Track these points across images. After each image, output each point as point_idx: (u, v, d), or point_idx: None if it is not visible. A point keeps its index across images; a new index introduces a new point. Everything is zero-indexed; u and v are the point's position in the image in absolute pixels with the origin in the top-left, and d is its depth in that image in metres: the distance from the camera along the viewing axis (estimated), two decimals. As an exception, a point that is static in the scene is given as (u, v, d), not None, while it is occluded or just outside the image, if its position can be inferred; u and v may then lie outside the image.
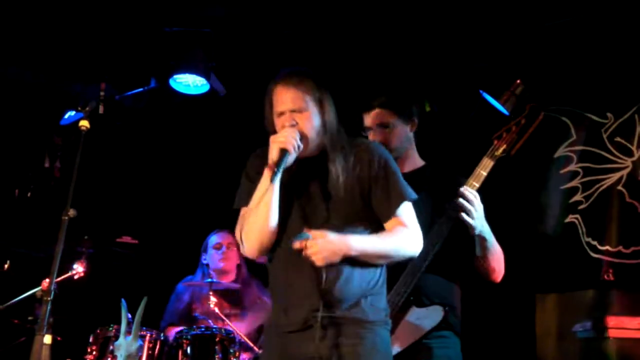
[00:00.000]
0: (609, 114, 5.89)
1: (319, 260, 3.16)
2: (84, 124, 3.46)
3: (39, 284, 5.07)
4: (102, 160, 6.60)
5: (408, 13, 5.75)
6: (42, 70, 6.38)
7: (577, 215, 5.84)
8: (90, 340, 5.22)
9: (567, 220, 5.88)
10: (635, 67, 5.70)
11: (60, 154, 6.39)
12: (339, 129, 3.50)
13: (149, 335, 5.18)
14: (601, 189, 5.80)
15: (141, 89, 6.19)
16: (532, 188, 6.09)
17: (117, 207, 6.97)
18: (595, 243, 5.69)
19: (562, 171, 5.99)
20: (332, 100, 3.52)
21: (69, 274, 5.49)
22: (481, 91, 5.90)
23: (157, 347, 5.20)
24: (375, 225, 3.42)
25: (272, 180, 3.26)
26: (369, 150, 3.49)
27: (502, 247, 3.92)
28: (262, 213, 3.29)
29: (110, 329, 5.17)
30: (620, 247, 5.61)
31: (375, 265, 3.40)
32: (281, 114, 3.43)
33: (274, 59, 6.13)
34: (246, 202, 3.42)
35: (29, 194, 6.49)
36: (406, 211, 3.44)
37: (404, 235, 3.41)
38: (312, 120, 3.42)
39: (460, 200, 3.64)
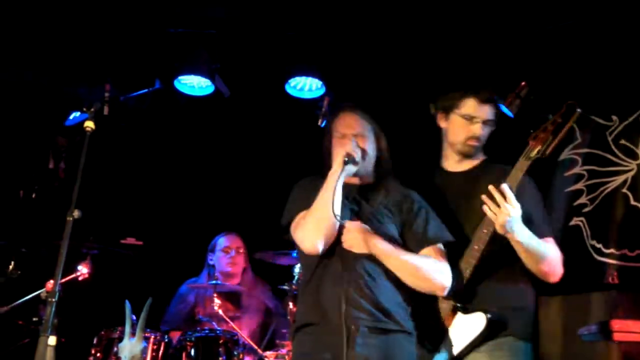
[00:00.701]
0: (614, 117, 5.88)
1: (354, 245, 3.47)
2: (89, 124, 3.47)
3: (43, 285, 5.07)
4: (107, 162, 6.60)
5: (413, 15, 5.75)
6: (46, 72, 6.38)
7: (582, 218, 5.82)
8: (95, 341, 5.21)
9: (572, 223, 5.86)
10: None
11: (64, 155, 6.39)
12: (389, 167, 3.84)
13: (153, 336, 5.17)
14: (606, 191, 5.79)
15: (146, 90, 6.19)
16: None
17: (122, 208, 6.97)
18: (599, 246, 5.68)
19: (566, 174, 5.98)
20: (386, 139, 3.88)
21: (74, 275, 5.50)
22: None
23: (162, 348, 5.19)
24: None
25: (337, 178, 3.53)
26: (409, 192, 3.82)
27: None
28: (325, 204, 3.50)
29: (115, 330, 5.16)
30: (625, 250, 5.60)
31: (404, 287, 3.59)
32: (343, 136, 3.70)
33: (278, 60, 6.14)
34: (297, 212, 3.71)
35: (33, 195, 6.49)
36: (440, 250, 3.68)
37: (433, 262, 3.61)
38: (370, 147, 3.75)
39: (487, 195, 3.59)
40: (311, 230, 3.56)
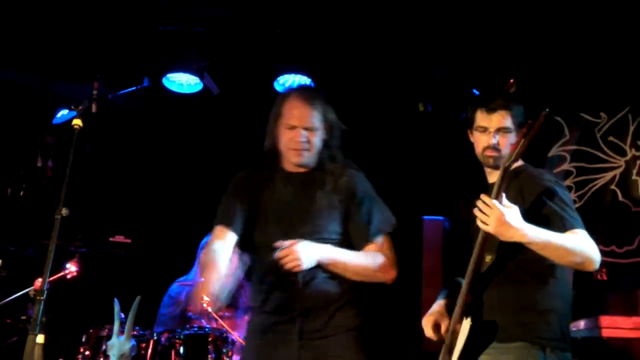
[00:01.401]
0: (602, 114, 5.90)
1: (296, 265, 3.35)
2: (77, 122, 3.44)
3: (31, 284, 5.05)
4: (95, 159, 6.58)
5: (402, 14, 5.75)
6: (34, 70, 6.36)
7: (571, 215, 5.83)
8: (83, 340, 5.20)
9: (561, 219, 5.88)
10: (629, 67, 5.71)
11: (52, 153, 6.37)
12: (339, 150, 3.72)
13: (142, 335, 5.16)
14: (594, 188, 5.81)
15: (134, 88, 6.17)
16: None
17: (110, 206, 6.95)
18: (588, 243, 5.68)
19: (555, 170, 6.00)
20: (338, 120, 3.73)
21: (62, 273, 5.47)
22: (474, 90, 5.92)
23: (150, 347, 5.18)
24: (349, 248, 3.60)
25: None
26: (354, 178, 3.70)
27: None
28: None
29: (103, 328, 5.15)
30: (614, 247, 5.62)
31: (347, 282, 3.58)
32: (293, 127, 3.57)
33: (267, 58, 6.13)
34: (223, 221, 3.66)
35: (21, 193, 6.47)
36: (385, 241, 3.65)
37: (379, 258, 3.59)
38: (318, 141, 3.62)
39: (475, 210, 3.54)
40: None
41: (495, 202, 3.35)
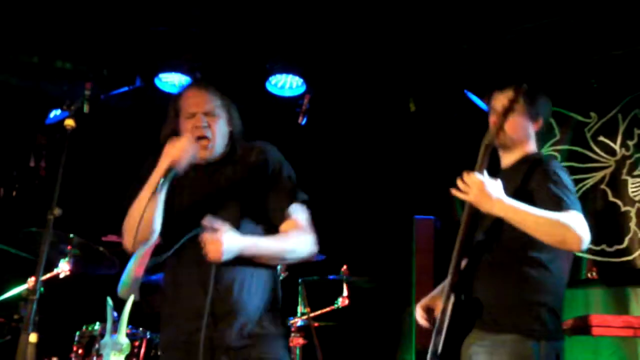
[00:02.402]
0: (592, 114, 5.93)
1: (217, 254, 3.15)
2: (70, 122, 3.45)
3: (24, 283, 5.07)
4: (88, 159, 6.59)
5: (393, 14, 5.77)
6: (27, 70, 6.36)
7: (561, 214, 5.86)
8: (76, 338, 5.21)
9: (551, 218, 5.91)
10: (618, 66, 5.74)
11: (45, 153, 6.38)
12: (241, 136, 3.59)
13: (134, 333, 5.17)
14: (585, 187, 5.84)
15: (126, 88, 6.18)
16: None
17: (103, 206, 6.95)
18: (578, 242, 5.71)
19: (546, 170, 6.02)
20: (237, 109, 3.61)
21: (55, 272, 5.48)
22: (466, 91, 5.95)
23: (143, 345, 5.20)
24: (269, 227, 3.45)
25: (156, 190, 3.31)
26: (265, 153, 3.56)
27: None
28: (145, 218, 3.31)
29: (96, 327, 5.16)
30: (604, 246, 5.65)
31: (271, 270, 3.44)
32: (193, 115, 3.48)
33: (258, 58, 6.15)
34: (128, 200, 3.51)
35: (14, 193, 6.47)
36: (300, 213, 3.49)
37: (298, 237, 3.45)
38: (221, 126, 3.51)
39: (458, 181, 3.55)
40: (128, 234, 3.39)
41: (476, 173, 3.38)
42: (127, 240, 3.39)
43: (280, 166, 3.54)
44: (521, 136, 3.80)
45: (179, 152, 3.33)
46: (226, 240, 3.15)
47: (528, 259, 3.60)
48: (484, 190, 3.37)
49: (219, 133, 3.50)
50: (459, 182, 3.44)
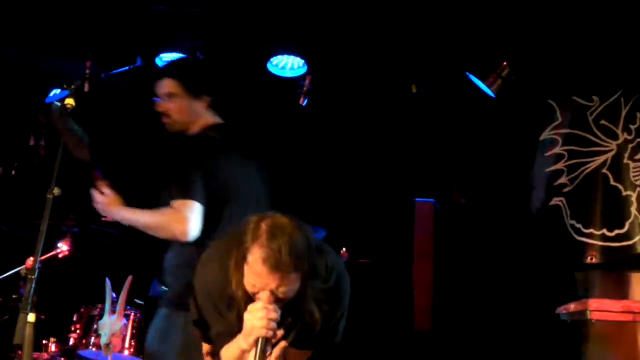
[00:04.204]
0: (595, 97, 5.90)
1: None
2: (70, 102, 3.45)
3: (23, 263, 5.06)
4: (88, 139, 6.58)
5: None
6: (27, 48, 6.33)
7: (562, 198, 5.85)
8: (75, 319, 5.22)
9: (552, 203, 5.89)
10: (622, 50, 5.71)
11: (45, 132, 6.36)
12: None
13: (133, 314, 5.18)
14: (586, 172, 5.82)
15: (127, 68, 6.16)
16: (517, 171, 6.10)
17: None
18: (579, 226, 5.71)
19: (547, 154, 6.01)
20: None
21: (54, 252, 5.48)
22: (468, 73, 5.92)
23: (142, 326, 5.20)
24: None
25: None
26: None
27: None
28: None
29: (95, 308, 5.17)
30: (605, 230, 5.64)
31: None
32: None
33: (260, 38, 6.12)
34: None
35: (13, 172, 6.46)
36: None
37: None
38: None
39: None
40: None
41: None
42: None
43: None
44: (187, 117, 4.09)
45: (267, 323, 2.89)
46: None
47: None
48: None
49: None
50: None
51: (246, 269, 2.85)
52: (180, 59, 5.23)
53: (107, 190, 3.70)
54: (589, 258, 5.64)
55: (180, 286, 3.69)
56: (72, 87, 3.55)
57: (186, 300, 3.27)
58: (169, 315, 3.73)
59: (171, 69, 4.16)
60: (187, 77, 4.03)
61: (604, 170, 5.73)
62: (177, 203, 3.63)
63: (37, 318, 2.91)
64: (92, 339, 5.10)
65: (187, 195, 3.63)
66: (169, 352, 3.65)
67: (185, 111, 4.02)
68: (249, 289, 2.87)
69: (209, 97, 4.08)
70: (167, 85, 4.03)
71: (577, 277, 5.69)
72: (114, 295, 4.82)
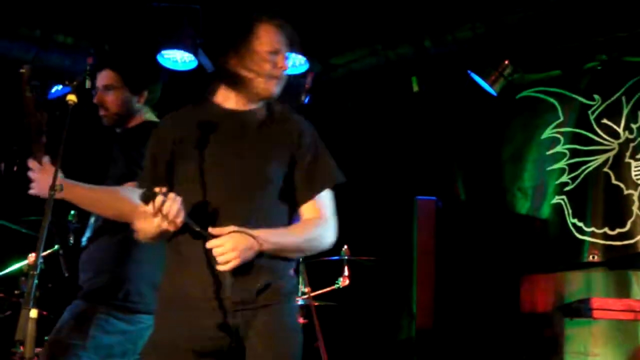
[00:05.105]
0: (596, 96, 5.90)
1: (228, 265, 2.81)
2: (71, 98, 3.44)
3: (25, 258, 5.06)
4: (89, 135, 6.58)
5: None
6: (28, 44, 6.33)
7: (564, 197, 5.86)
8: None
9: (553, 201, 5.90)
10: (623, 49, 5.71)
11: (46, 129, 6.35)
12: None
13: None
14: (587, 170, 5.82)
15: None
16: (519, 169, 6.11)
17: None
18: (581, 224, 5.71)
19: (549, 152, 6.01)
20: None
21: (56, 248, 5.48)
22: (469, 71, 5.92)
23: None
24: (288, 200, 3.16)
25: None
26: (301, 124, 3.28)
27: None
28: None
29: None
30: (606, 229, 5.64)
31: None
32: (276, 52, 3.26)
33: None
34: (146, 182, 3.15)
35: (15, 168, 6.45)
36: (327, 199, 3.26)
37: (320, 229, 3.21)
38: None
39: None
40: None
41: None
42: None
43: (317, 144, 3.30)
44: (124, 111, 4.04)
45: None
46: (236, 247, 2.81)
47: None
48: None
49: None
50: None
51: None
52: (123, 51, 5.23)
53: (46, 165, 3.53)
54: (591, 256, 5.64)
55: (102, 280, 3.69)
56: (74, 83, 3.54)
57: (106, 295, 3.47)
58: (85, 309, 3.71)
59: (112, 60, 4.11)
60: (127, 70, 3.98)
61: (606, 169, 5.74)
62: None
63: (39, 314, 2.90)
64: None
65: None
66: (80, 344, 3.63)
67: (122, 104, 3.97)
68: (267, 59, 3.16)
69: (149, 94, 4.02)
70: (106, 77, 3.99)
71: (579, 276, 5.70)
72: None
